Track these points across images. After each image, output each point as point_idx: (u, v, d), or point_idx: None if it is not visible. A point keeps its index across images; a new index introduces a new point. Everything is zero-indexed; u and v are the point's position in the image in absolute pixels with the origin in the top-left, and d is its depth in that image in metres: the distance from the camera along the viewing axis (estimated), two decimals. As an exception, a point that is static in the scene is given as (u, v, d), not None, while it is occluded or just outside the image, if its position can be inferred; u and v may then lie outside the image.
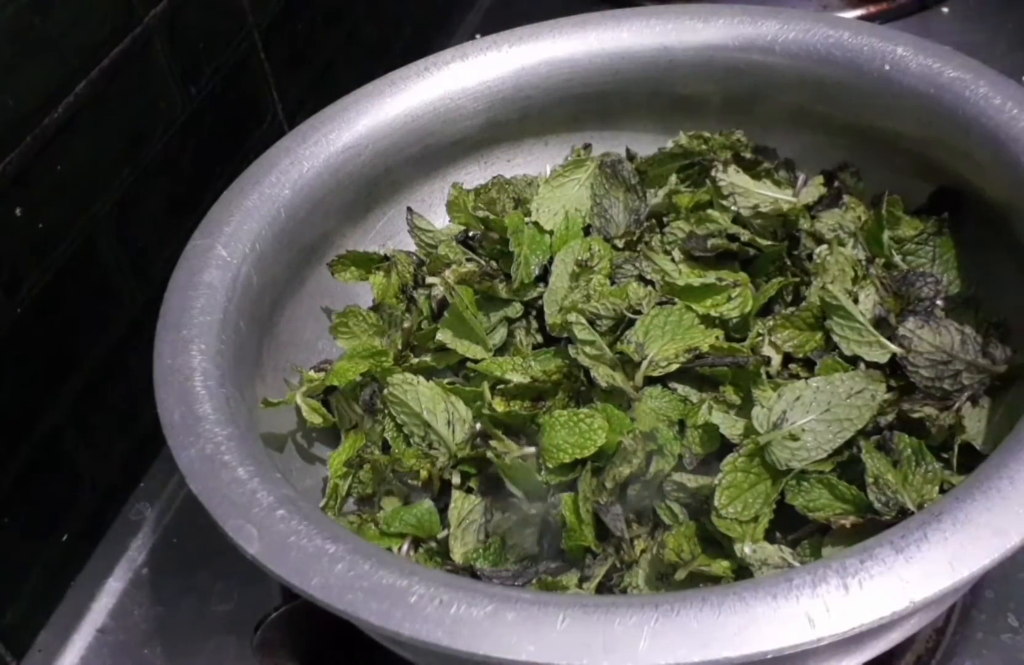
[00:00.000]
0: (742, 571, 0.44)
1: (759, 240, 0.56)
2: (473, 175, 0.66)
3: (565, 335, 0.53)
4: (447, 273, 0.56)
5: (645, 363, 0.50)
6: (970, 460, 0.45)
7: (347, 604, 0.37)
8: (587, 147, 0.66)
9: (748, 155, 0.61)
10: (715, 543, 0.46)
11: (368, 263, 0.60)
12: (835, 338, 0.51)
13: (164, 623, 0.57)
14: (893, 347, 0.49)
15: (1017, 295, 0.51)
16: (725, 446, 0.48)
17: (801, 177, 0.61)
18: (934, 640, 0.50)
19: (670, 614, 0.35)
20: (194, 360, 0.47)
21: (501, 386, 0.51)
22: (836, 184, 0.60)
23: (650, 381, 0.51)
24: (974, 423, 0.47)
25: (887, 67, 0.57)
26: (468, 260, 0.59)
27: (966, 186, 0.55)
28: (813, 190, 0.60)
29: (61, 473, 0.58)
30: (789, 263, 0.55)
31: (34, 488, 0.55)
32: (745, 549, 0.44)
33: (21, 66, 0.51)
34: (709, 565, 0.44)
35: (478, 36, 0.67)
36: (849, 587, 0.35)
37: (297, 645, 0.51)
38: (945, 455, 0.47)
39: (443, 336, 0.55)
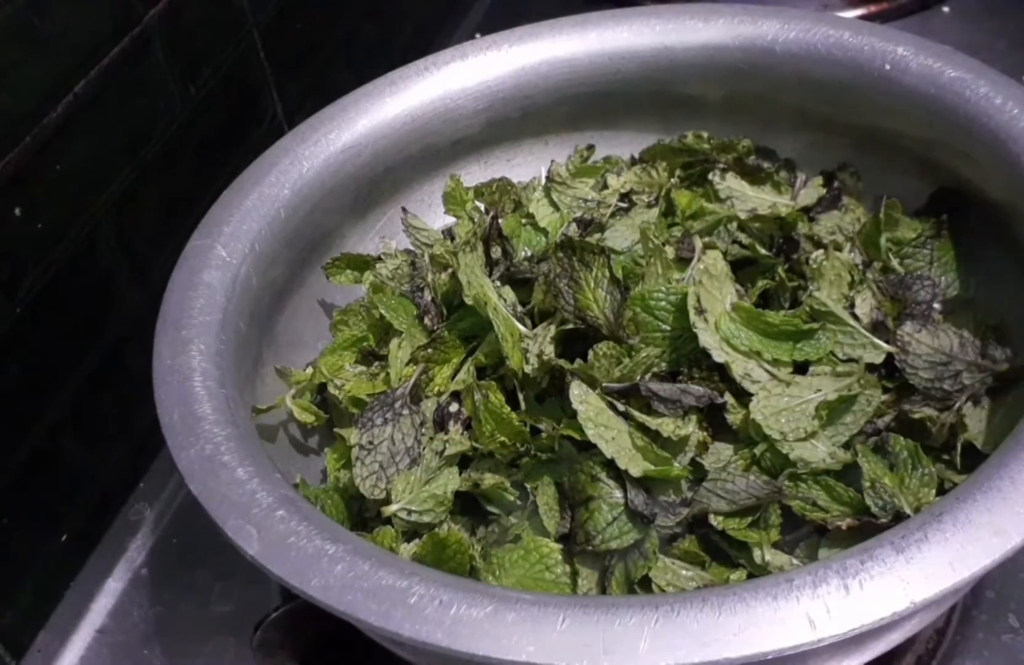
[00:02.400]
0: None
1: (757, 247, 0.56)
2: (473, 175, 0.66)
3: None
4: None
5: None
6: (971, 460, 0.45)
7: (347, 605, 0.37)
8: (591, 147, 0.66)
9: (751, 161, 0.61)
10: (722, 553, 0.46)
11: (363, 265, 0.60)
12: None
13: (163, 623, 0.57)
14: (887, 347, 0.49)
15: (1018, 296, 0.51)
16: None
17: (801, 178, 0.61)
18: (935, 641, 0.50)
19: (670, 615, 0.35)
20: (193, 360, 0.47)
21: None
22: (836, 185, 0.60)
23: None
24: (975, 423, 0.47)
25: (888, 67, 0.57)
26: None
27: (966, 186, 0.55)
28: (812, 191, 0.60)
29: (60, 473, 0.58)
30: (786, 267, 0.55)
31: (33, 488, 0.55)
32: (766, 556, 0.44)
33: (20, 66, 0.51)
34: (727, 578, 0.44)
35: (478, 36, 0.67)
36: (850, 588, 0.35)
37: (297, 646, 0.51)
38: (946, 456, 0.47)
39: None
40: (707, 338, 0.48)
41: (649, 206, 0.61)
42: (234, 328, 0.51)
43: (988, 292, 0.53)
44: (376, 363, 0.56)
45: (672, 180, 0.62)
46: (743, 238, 0.57)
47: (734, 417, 0.48)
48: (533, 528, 0.47)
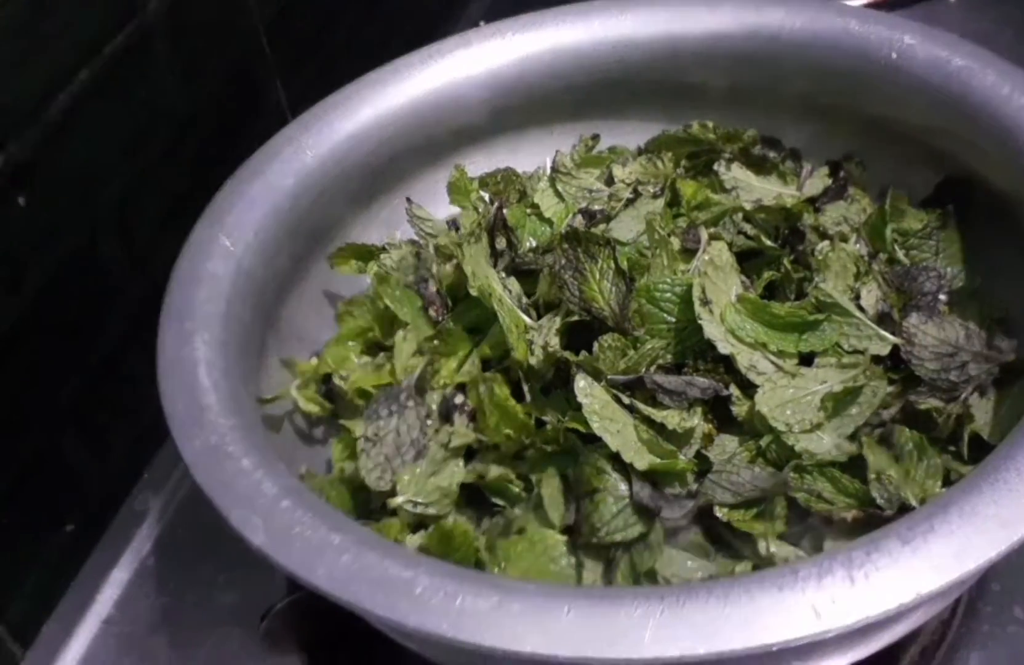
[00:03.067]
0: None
1: (762, 238, 0.55)
2: (478, 164, 0.66)
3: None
4: None
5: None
6: (977, 452, 0.45)
7: (352, 595, 0.37)
8: (595, 137, 0.66)
9: (756, 150, 0.61)
10: (727, 545, 0.46)
11: (368, 255, 0.60)
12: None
13: (169, 614, 0.57)
14: (893, 338, 0.49)
15: (1024, 286, 0.51)
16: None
17: (806, 167, 0.61)
18: (940, 632, 0.50)
19: (675, 606, 0.35)
20: (198, 351, 0.47)
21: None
22: (841, 174, 0.60)
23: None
24: (982, 414, 0.47)
25: (894, 55, 0.57)
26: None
27: (973, 176, 0.55)
28: (818, 181, 0.59)
29: (66, 465, 0.58)
30: (791, 258, 0.55)
31: (39, 480, 0.55)
32: (771, 548, 0.44)
33: (22, 60, 0.51)
34: (732, 569, 0.44)
35: (482, 24, 0.66)
36: (855, 579, 0.35)
37: (302, 636, 0.51)
38: (952, 447, 0.47)
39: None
40: (712, 330, 0.48)
41: (654, 197, 0.60)
42: (238, 318, 0.51)
43: (994, 283, 0.53)
44: (381, 354, 0.56)
45: (677, 170, 0.62)
46: (748, 229, 0.56)
47: (739, 409, 0.48)
48: (538, 520, 0.47)
